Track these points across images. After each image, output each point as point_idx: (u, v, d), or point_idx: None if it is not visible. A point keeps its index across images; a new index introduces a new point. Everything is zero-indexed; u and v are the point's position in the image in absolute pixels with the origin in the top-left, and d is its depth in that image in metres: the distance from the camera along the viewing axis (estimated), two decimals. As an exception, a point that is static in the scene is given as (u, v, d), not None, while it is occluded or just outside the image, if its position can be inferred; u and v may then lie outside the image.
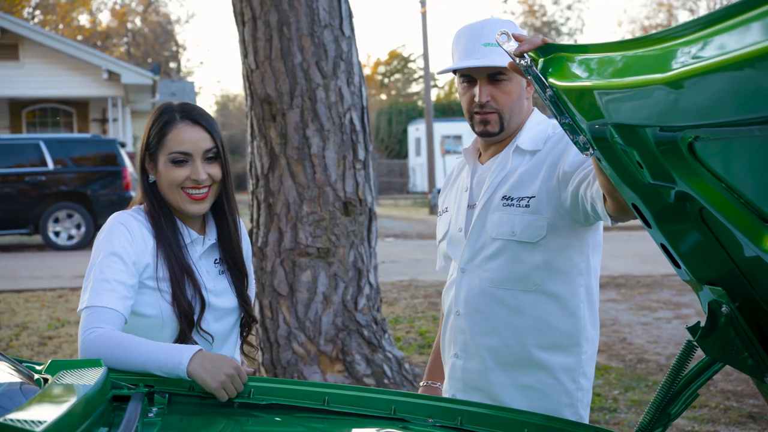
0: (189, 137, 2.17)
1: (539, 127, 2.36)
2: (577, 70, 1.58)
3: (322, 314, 4.92)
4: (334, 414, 1.96)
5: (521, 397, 2.31)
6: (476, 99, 2.28)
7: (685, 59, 1.16)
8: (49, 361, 1.82)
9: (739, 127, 1.21)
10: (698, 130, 1.32)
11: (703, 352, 1.75)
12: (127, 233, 2.15)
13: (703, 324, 1.68)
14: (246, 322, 2.34)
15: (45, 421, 1.23)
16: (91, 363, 1.78)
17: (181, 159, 2.17)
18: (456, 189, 2.52)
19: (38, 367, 1.89)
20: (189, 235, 2.24)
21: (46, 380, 1.72)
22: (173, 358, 1.94)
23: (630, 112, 1.43)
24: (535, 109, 2.40)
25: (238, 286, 2.31)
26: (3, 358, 1.83)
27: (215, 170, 2.20)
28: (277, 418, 1.92)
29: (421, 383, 2.70)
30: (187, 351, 1.95)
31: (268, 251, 5.00)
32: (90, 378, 1.61)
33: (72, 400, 1.40)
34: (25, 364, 1.97)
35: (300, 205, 4.92)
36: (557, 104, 1.67)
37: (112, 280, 2.07)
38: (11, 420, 1.21)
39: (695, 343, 1.72)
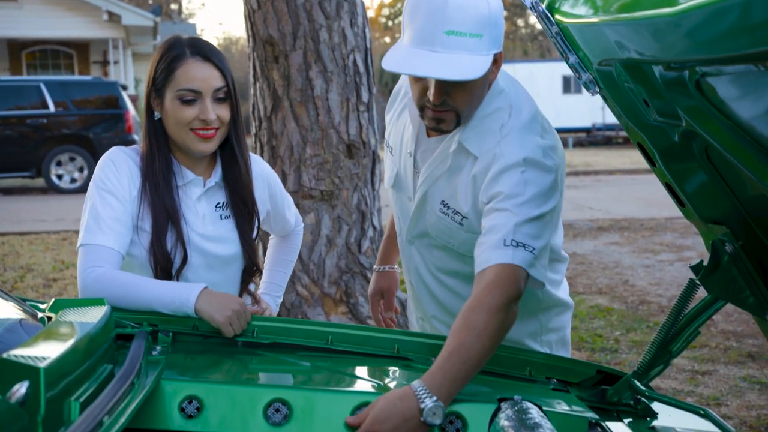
0: (199, 74, 2.05)
1: (490, 121, 2.03)
2: (583, 6, 1.55)
3: (326, 257, 4.94)
4: (338, 353, 1.98)
5: None
6: (429, 96, 1.93)
7: (694, -8, 1.13)
8: (53, 300, 1.83)
9: (749, 63, 1.19)
10: (706, 67, 1.30)
11: (705, 291, 1.76)
12: (114, 168, 2.11)
13: (705, 263, 1.68)
14: (249, 271, 2.27)
15: (48, 357, 1.24)
16: (95, 302, 1.79)
17: (190, 98, 2.05)
18: (402, 137, 2.24)
19: (42, 306, 1.89)
20: (183, 176, 2.15)
21: (49, 319, 1.73)
22: (180, 295, 1.94)
23: (637, 49, 1.41)
24: (493, 87, 2.04)
25: (243, 233, 2.21)
26: (7, 297, 1.84)
27: (224, 111, 2.09)
28: (281, 357, 1.93)
29: (375, 268, 2.62)
30: (194, 288, 1.95)
31: (271, 193, 4.98)
32: (93, 316, 1.62)
33: (75, 338, 1.40)
34: (29, 303, 1.98)
35: (303, 147, 4.90)
36: (564, 42, 1.64)
37: (107, 218, 2.04)
38: (15, 356, 1.22)
39: (698, 281, 1.72)
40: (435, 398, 1.62)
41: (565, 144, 25.67)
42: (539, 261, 1.90)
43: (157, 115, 2.12)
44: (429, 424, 1.62)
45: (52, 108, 14.95)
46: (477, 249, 1.91)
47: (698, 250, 8.60)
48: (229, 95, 2.10)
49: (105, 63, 23.39)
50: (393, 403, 1.62)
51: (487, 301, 1.78)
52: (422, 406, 1.62)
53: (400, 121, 2.27)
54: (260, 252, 4.67)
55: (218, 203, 2.20)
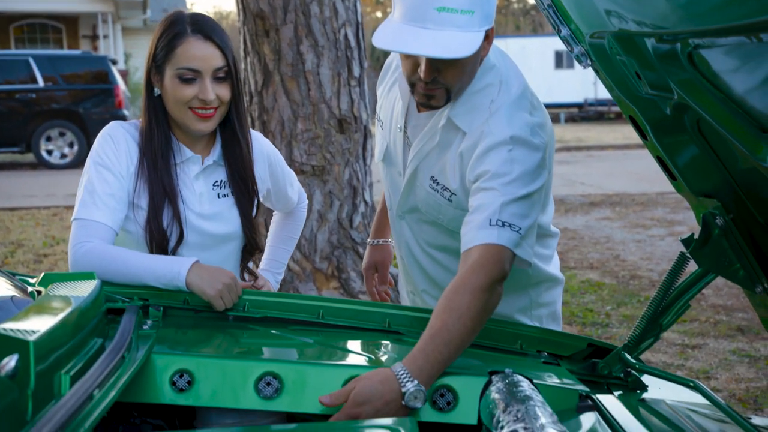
0: (199, 53, 2.04)
1: (480, 97, 2.01)
2: (575, -23, 1.54)
3: (318, 232, 4.93)
4: (329, 327, 1.98)
5: None
6: (420, 73, 1.92)
7: (688, -38, 1.12)
8: (42, 274, 1.82)
9: (742, 35, 1.18)
10: (699, 39, 1.30)
11: (695, 265, 1.76)
12: (112, 143, 2.09)
13: (696, 236, 1.68)
14: (248, 249, 2.26)
15: (38, 331, 1.23)
16: (85, 276, 1.78)
17: (190, 77, 2.04)
18: (392, 111, 2.22)
19: (31, 280, 1.89)
20: (182, 153, 2.14)
21: (39, 293, 1.72)
22: (172, 269, 1.93)
23: (629, 20, 1.40)
24: (484, 63, 2.02)
25: (243, 211, 2.21)
26: (-3, 271, 1.83)
27: (224, 91, 2.07)
28: (272, 331, 1.93)
29: (368, 241, 2.61)
30: (185, 262, 1.95)
31: (263, 168, 4.96)
32: (83, 290, 1.61)
33: (65, 312, 1.40)
34: (18, 278, 1.97)
35: (294, 122, 4.88)
36: (556, 14, 1.63)
37: (102, 193, 2.03)
38: (4, 329, 1.21)
39: (688, 255, 1.72)
40: (416, 382, 1.61)
41: (557, 119, 25.66)
42: (526, 240, 1.90)
43: (156, 91, 2.11)
44: (410, 408, 1.61)
45: (41, 83, 14.83)
46: (463, 228, 1.91)
47: (689, 225, 8.63)
48: (229, 75, 2.09)
49: (94, 37, 23.21)
50: (374, 386, 1.60)
51: (471, 282, 1.77)
52: (404, 390, 1.60)
53: (391, 95, 2.25)
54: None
55: (216, 181, 2.19)
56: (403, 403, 1.60)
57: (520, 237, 1.86)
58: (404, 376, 1.62)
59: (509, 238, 1.84)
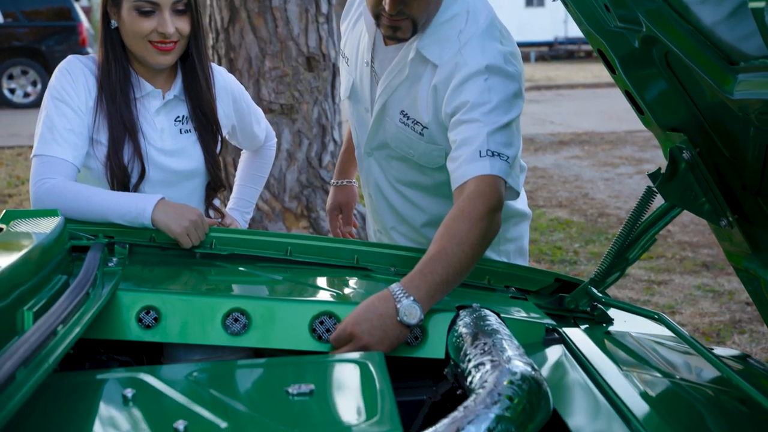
0: None
1: (447, 28, 1.99)
2: None
3: (287, 171, 4.90)
4: (297, 264, 1.97)
5: None
6: (385, 5, 1.89)
7: None
8: (4, 211, 1.79)
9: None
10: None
11: (662, 200, 1.77)
12: (70, 77, 2.04)
13: (663, 171, 1.69)
14: (213, 186, 2.23)
15: (-1, 267, 1.21)
16: (47, 213, 1.75)
17: (148, 9, 1.98)
18: (358, 47, 2.19)
19: (-8, 218, 1.86)
20: (142, 88, 2.09)
21: (0, 230, 1.70)
22: (137, 206, 1.91)
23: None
24: None
25: (206, 147, 2.17)
26: (-43, 209, 1.79)
27: (184, 24, 2.03)
28: (240, 268, 1.92)
29: (332, 182, 2.63)
30: (150, 199, 1.92)
31: (230, 107, 4.89)
32: (46, 227, 1.59)
33: (27, 248, 1.37)
34: (-21, 215, 1.94)
35: (262, 60, 4.80)
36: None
37: (62, 129, 1.99)
38: (-36, 266, 1.19)
39: (655, 189, 1.73)
40: (412, 299, 1.62)
41: (527, 58, 25.51)
42: (513, 170, 1.90)
43: (113, 23, 2.06)
44: (405, 324, 1.62)
45: (0, 19, 14.42)
46: (451, 164, 1.89)
47: (657, 163, 8.66)
48: (189, 7, 2.04)
49: (55, -28, 22.57)
50: (372, 303, 1.62)
51: (469, 210, 1.77)
52: (398, 305, 1.61)
53: (356, 30, 2.22)
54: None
55: (178, 117, 2.15)
56: (398, 319, 1.61)
57: (509, 166, 1.87)
58: (400, 292, 1.63)
59: (500, 167, 1.84)
